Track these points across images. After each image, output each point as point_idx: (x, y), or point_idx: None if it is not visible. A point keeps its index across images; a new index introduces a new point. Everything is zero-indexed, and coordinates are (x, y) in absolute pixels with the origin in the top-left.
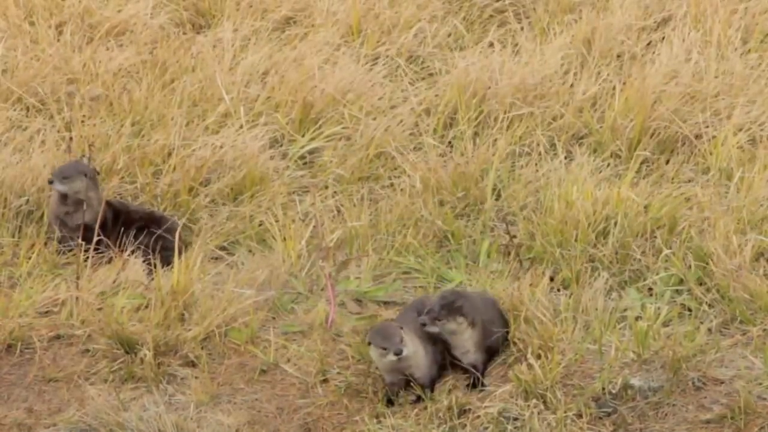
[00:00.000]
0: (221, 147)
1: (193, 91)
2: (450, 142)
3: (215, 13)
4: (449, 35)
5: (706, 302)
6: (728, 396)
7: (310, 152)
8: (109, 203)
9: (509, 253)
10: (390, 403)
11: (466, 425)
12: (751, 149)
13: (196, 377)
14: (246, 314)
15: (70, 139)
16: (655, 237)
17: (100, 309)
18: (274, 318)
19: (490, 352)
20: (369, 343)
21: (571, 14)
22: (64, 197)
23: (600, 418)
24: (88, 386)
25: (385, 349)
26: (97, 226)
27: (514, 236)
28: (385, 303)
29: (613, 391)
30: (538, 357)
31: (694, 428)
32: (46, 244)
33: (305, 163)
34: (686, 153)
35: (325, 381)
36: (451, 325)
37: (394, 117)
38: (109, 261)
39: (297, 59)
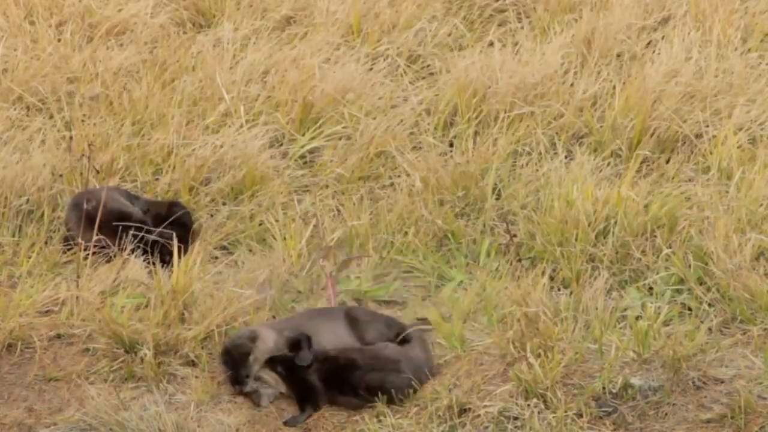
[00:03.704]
0: (221, 146)
1: (193, 91)
2: (450, 142)
3: (215, 13)
4: (449, 35)
5: (707, 302)
6: (728, 395)
7: (311, 152)
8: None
9: (509, 253)
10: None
11: (466, 424)
12: (751, 149)
13: (196, 377)
14: (246, 314)
15: (70, 138)
16: (656, 236)
17: (98, 310)
18: (274, 317)
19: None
20: None
21: (571, 14)
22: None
23: (600, 417)
24: (88, 386)
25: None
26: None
27: (515, 235)
28: (386, 302)
29: (614, 391)
30: (539, 356)
31: (695, 428)
32: (46, 243)
33: (305, 163)
34: (686, 152)
35: None
36: None
37: (395, 116)
38: (109, 260)
39: (297, 59)
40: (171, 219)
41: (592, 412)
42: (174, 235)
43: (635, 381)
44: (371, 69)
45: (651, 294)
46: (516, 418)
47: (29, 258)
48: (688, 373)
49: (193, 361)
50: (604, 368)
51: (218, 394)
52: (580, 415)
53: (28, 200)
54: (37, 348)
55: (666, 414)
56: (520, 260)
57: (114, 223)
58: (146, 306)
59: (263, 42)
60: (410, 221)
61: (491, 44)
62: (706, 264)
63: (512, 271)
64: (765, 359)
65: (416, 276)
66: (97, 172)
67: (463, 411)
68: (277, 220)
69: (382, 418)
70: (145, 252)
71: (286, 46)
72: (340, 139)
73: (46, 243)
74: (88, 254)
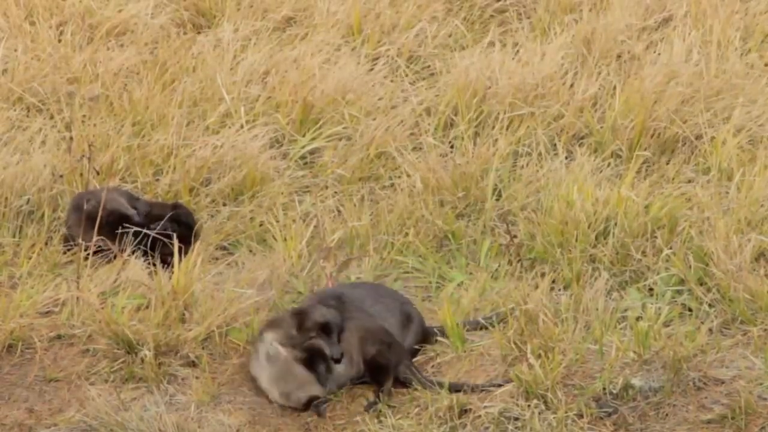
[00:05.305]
0: (221, 147)
1: (193, 91)
2: (450, 142)
3: (216, 13)
4: (450, 35)
5: (707, 302)
6: (729, 396)
7: (311, 152)
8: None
9: (510, 253)
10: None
11: (466, 425)
12: (751, 149)
13: (196, 377)
14: (247, 314)
15: (71, 139)
16: (656, 237)
17: (98, 310)
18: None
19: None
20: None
21: (571, 14)
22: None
23: (601, 418)
24: (88, 386)
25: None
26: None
27: (515, 236)
28: None
29: (614, 391)
30: (539, 357)
31: (695, 428)
32: (46, 243)
33: (306, 163)
34: (686, 153)
35: None
36: None
37: (395, 117)
38: (109, 261)
39: (297, 59)
40: (174, 219)
41: (593, 413)
42: (175, 234)
43: (636, 382)
44: (371, 69)
45: (651, 295)
46: (516, 419)
47: (29, 259)
48: (689, 374)
49: (193, 361)
50: (604, 369)
51: (219, 395)
52: (581, 416)
53: (28, 201)
54: (38, 349)
55: (666, 414)
56: (520, 261)
57: (114, 225)
58: (147, 306)
59: (263, 43)
60: (410, 222)
61: (491, 45)
62: (707, 265)
63: (512, 272)
64: (765, 360)
65: (416, 276)
66: (98, 173)
67: (463, 412)
68: (277, 221)
69: (382, 418)
70: (145, 253)
71: (287, 47)
72: (340, 139)
73: (46, 244)
74: (88, 255)
